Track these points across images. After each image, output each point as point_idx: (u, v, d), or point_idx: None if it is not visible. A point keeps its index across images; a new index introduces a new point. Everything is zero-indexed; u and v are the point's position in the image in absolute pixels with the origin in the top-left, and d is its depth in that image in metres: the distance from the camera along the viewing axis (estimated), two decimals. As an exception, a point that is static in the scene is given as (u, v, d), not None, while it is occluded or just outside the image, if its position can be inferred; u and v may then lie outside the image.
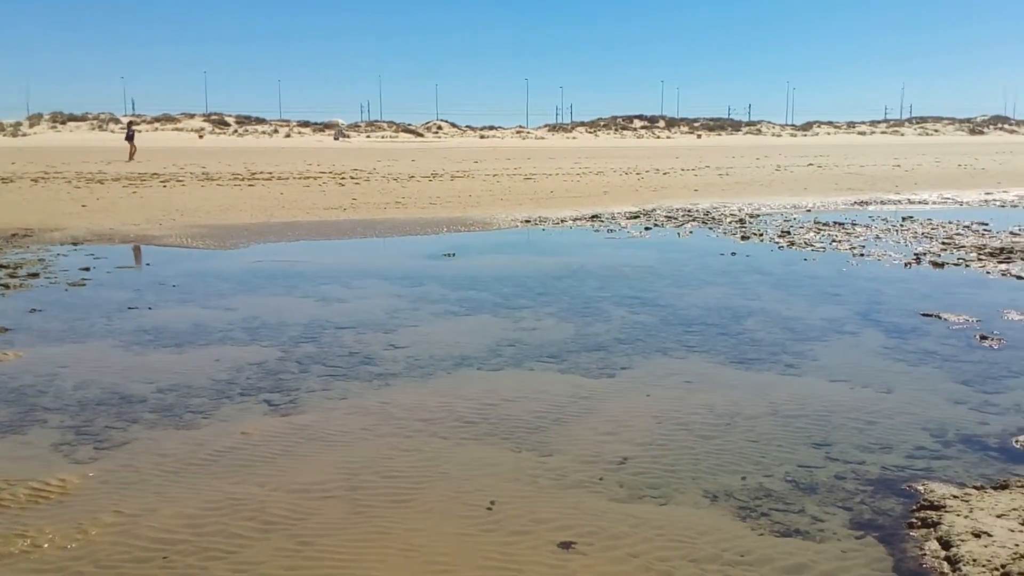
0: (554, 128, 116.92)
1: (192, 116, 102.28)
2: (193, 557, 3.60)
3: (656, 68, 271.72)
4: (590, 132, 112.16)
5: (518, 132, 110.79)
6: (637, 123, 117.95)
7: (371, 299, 9.18)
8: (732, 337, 7.37)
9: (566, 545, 3.67)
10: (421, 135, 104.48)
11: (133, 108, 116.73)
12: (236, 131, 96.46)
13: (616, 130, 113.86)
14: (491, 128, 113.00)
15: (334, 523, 3.90)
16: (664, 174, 31.73)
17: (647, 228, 15.91)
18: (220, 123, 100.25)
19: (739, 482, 4.31)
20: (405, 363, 6.58)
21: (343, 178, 27.84)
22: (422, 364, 6.55)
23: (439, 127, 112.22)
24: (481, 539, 3.74)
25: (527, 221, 17.25)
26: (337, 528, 3.85)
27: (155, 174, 27.68)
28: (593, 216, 18.11)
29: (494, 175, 30.39)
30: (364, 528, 3.84)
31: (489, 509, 4.02)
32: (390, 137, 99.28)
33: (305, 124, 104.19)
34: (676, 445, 4.84)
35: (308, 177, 28.27)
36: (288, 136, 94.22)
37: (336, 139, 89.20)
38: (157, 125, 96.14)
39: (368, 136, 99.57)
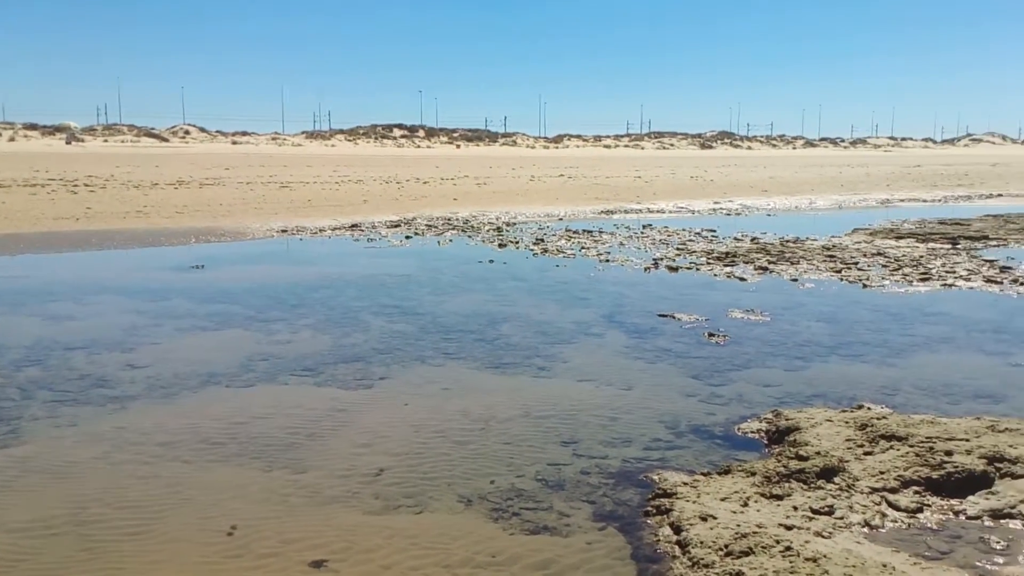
0: (312, 135, 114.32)
1: None
2: None
3: (414, 76, 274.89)
4: (350, 140, 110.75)
5: (274, 139, 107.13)
6: (397, 132, 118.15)
7: (107, 316, 8.48)
8: (488, 343, 7.55)
9: (317, 564, 3.56)
10: (166, 140, 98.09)
11: None
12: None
13: (376, 138, 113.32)
14: (244, 134, 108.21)
15: (59, 563, 3.54)
16: (424, 183, 32.01)
17: (408, 237, 15.98)
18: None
19: (491, 485, 4.41)
20: (144, 384, 6.12)
21: (76, 186, 25.54)
22: (164, 384, 6.13)
23: (186, 131, 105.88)
24: (226, 566, 3.54)
25: (284, 231, 16.73)
26: (62, 568, 3.49)
27: None
28: (353, 225, 17.91)
29: (247, 183, 29.19)
30: (93, 565, 3.52)
31: (230, 535, 3.82)
32: (131, 142, 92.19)
33: (32, 127, 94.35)
34: (432, 453, 4.87)
35: (35, 185, 25.65)
36: (12, 140, 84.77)
37: (68, 143, 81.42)
38: None
39: (106, 140, 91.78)
